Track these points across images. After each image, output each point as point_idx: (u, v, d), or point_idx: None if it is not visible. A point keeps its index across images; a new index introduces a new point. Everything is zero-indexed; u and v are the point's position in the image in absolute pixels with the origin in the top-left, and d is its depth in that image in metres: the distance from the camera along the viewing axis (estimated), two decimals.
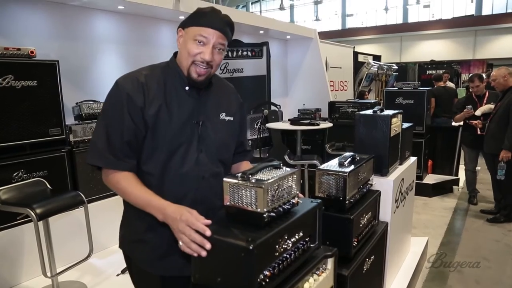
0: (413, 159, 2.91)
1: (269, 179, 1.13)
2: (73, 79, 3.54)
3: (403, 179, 2.52)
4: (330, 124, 4.84)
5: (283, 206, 1.19)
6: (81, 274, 2.82)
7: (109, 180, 1.33)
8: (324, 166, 1.79)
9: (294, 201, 1.24)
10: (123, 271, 2.81)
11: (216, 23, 1.32)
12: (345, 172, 1.69)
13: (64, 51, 3.45)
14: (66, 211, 2.45)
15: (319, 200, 1.35)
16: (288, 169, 1.26)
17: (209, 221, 1.13)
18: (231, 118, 1.49)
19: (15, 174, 2.69)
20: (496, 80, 4.19)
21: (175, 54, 1.42)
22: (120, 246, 1.49)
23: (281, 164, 1.28)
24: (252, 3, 27.00)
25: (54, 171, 2.89)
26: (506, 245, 3.69)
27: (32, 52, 2.76)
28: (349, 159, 1.90)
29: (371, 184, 2.06)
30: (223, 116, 1.47)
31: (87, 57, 3.67)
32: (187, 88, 1.38)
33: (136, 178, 1.32)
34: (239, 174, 1.16)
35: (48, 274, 2.41)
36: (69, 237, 2.89)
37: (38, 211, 2.22)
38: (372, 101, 6.56)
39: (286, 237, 1.19)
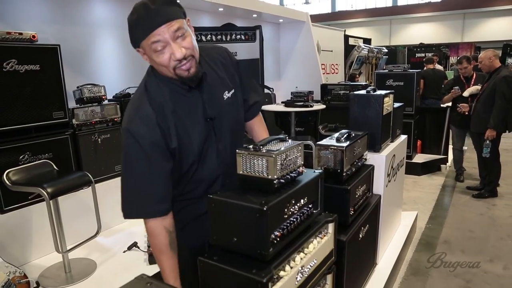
0: (403, 137, 3.06)
1: (278, 149, 1.26)
2: (72, 63, 3.58)
3: (394, 155, 2.67)
4: (323, 106, 4.98)
5: (290, 174, 1.32)
6: (89, 251, 2.94)
7: (147, 229, 1.33)
8: (322, 142, 1.93)
9: (299, 170, 1.37)
10: (129, 248, 2.94)
11: (154, 21, 1.18)
12: (343, 147, 1.83)
13: (63, 35, 3.48)
14: (75, 190, 2.55)
15: (320, 170, 1.49)
16: (293, 141, 1.38)
17: None
18: (233, 91, 1.44)
19: (22, 156, 2.76)
20: (483, 62, 4.34)
21: (151, 67, 1.33)
22: None
23: (287, 137, 1.40)
24: None
25: (59, 153, 2.97)
26: (490, 218, 3.91)
27: (33, 36, 2.81)
28: (346, 135, 2.03)
29: (365, 159, 2.20)
30: (226, 95, 1.41)
31: (86, 42, 3.71)
32: (185, 92, 1.31)
33: (170, 249, 1.32)
34: (251, 146, 1.28)
35: (60, 251, 2.52)
36: (76, 217, 2.99)
37: (49, 190, 2.32)
38: (363, 83, 6.69)
39: (293, 202, 1.32)
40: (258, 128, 1.66)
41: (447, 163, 5.66)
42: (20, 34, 2.75)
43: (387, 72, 5.48)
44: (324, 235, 1.55)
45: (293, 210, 1.32)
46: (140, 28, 1.21)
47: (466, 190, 4.72)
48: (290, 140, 1.39)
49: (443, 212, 4.09)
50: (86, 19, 3.69)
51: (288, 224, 1.30)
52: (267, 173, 1.24)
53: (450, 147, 5.49)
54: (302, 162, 1.40)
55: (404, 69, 5.39)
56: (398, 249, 2.87)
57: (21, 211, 2.72)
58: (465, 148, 5.27)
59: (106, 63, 3.88)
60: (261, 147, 1.26)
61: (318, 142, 1.89)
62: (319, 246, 1.49)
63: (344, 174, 1.84)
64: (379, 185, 2.40)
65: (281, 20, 6.21)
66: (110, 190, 3.37)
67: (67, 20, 3.54)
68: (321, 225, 1.50)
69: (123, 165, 1.30)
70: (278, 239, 1.24)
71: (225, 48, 1.51)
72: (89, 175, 2.61)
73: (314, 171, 1.48)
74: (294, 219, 1.34)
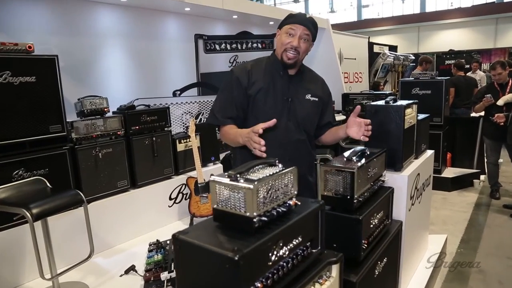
0: (429, 152, 2.72)
1: (259, 179, 0.99)
2: (77, 74, 3.47)
3: (418, 174, 2.34)
4: (343, 117, 4.66)
5: (278, 209, 1.05)
6: (84, 274, 2.74)
7: (221, 132, 1.91)
8: (331, 163, 1.64)
9: (291, 202, 1.10)
10: (126, 272, 2.73)
11: (301, 20, 1.80)
12: (353, 168, 1.54)
13: (67, 45, 3.38)
14: (64, 211, 2.37)
15: (320, 200, 1.21)
16: (284, 167, 1.12)
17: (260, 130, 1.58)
18: (316, 99, 1.94)
19: (15, 172, 2.62)
20: None
21: (274, 49, 1.94)
22: None
23: (277, 161, 1.14)
24: None
25: (56, 169, 2.81)
26: None
27: (30, 47, 2.67)
28: (359, 153, 1.74)
29: (383, 181, 1.90)
30: (308, 96, 1.92)
31: (91, 52, 3.59)
32: (281, 72, 1.87)
33: (234, 126, 1.85)
34: (227, 173, 1.03)
35: (48, 276, 2.33)
36: (72, 236, 2.82)
37: (34, 211, 2.14)
38: (387, 92, 6.33)
39: (281, 244, 1.05)
40: (330, 130, 2.04)
41: (481, 178, 5.19)
42: (16, 45, 2.62)
43: (413, 80, 5.11)
44: (326, 280, 1.26)
45: (281, 254, 1.05)
46: (291, 18, 1.82)
47: (503, 208, 4.26)
48: (280, 165, 1.12)
49: (477, 235, 3.67)
50: (91, 30, 3.58)
51: (274, 272, 1.03)
52: (244, 209, 0.98)
53: (485, 160, 5.04)
54: (296, 192, 1.13)
55: (431, 76, 5.01)
56: (425, 281, 2.51)
57: (11, 231, 2.56)
58: (500, 161, 4.81)
59: (113, 74, 3.75)
60: (238, 175, 1.00)
61: (323, 163, 1.61)
62: None
63: (355, 200, 1.55)
64: (400, 210, 2.08)
65: None
66: (112, 208, 3.20)
67: (72, 31, 3.43)
68: (320, 268, 1.22)
69: (219, 89, 1.96)
70: None
71: (324, 80, 2.09)
72: (81, 194, 2.42)
73: (312, 202, 1.20)
74: (284, 264, 1.07)
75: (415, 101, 2.36)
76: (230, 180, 0.99)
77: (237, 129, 1.81)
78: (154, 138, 3.51)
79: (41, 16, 3.24)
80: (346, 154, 1.76)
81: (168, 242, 3.04)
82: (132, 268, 2.75)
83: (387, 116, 2.13)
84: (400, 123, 2.11)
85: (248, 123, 1.85)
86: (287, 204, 1.09)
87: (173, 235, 1.02)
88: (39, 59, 2.72)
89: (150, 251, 2.94)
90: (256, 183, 0.96)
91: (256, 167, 1.08)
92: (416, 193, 2.33)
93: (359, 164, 1.60)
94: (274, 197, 1.04)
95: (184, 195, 3.79)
